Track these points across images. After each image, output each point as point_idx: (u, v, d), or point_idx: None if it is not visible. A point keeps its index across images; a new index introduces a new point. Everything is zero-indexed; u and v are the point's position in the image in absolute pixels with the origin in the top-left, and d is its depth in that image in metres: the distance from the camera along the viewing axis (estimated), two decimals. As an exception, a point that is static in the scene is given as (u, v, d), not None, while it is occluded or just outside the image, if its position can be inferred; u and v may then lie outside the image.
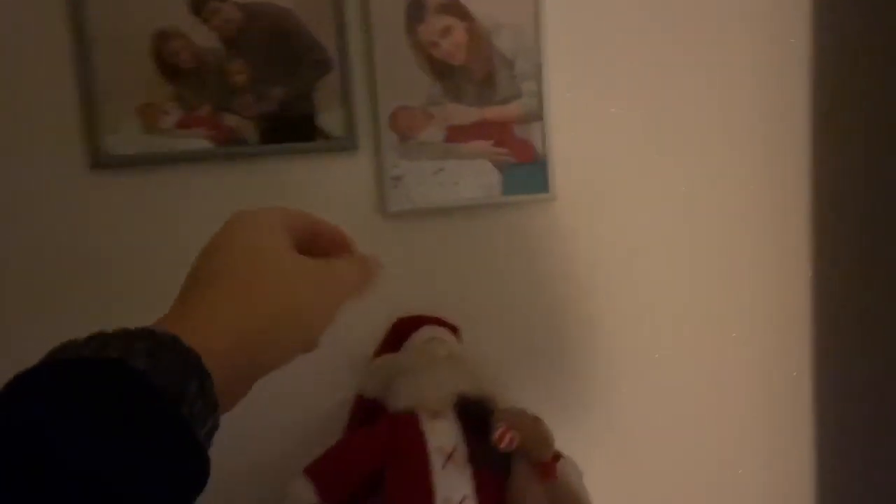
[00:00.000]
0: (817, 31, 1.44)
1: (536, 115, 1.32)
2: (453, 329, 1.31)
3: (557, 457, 1.13)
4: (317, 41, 1.26)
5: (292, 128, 1.26)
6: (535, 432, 1.12)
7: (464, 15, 1.28)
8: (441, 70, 1.29)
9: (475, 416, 1.16)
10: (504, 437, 1.08)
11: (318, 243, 0.52)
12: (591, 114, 1.36)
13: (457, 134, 1.30)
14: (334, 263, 0.51)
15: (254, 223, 0.50)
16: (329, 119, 1.28)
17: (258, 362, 0.41)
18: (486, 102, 1.30)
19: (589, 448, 1.34)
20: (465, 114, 1.30)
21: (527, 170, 1.33)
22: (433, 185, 1.30)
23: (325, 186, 1.30)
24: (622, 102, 1.38)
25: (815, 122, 1.45)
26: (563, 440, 1.16)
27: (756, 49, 1.43)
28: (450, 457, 1.12)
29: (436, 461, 1.11)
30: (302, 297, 0.45)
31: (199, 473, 0.33)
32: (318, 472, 1.11)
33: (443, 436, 1.14)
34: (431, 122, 1.29)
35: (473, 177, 1.31)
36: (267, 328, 0.41)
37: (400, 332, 1.29)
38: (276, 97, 1.25)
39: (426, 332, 1.27)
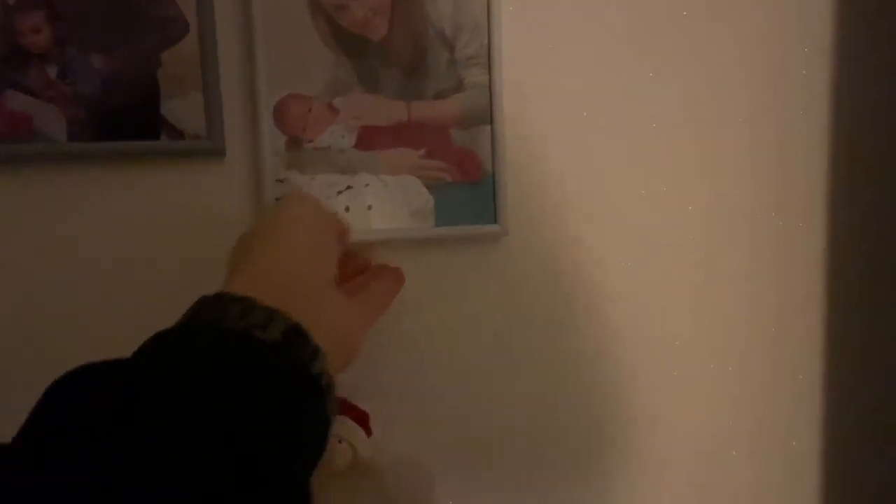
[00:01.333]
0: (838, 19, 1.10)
1: (483, 116, 0.92)
2: (361, 417, 0.91)
3: None
4: (163, -10, 0.84)
5: (122, 119, 0.84)
6: None
7: (386, -33, 0.88)
8: (351, 45, 0.88)
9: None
10: None
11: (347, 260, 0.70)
12: (559, 114, 0.98)
13: (371, 137, 0.90)
14: (371, 292, 0.71)
15: (316, 229, 0.63)
16: (181, 108, 0.86)
17: None
18: (415, 96, 0.90)
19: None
20: (385, 109, 0.90)
21: (469, 192, 0.91)
22: (335, 208, 0.89)
23: (173, 208, 0.88)
24: (606, 99, 1.00)
25: (832, 118, 1.11)
26: None
27: (772, 39, 1.08)
28: None
29: None
30: (347, 328, 0.61)
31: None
32: None
33: None
34: (335, 119, 0.89)
35: (393, 199, 0.91)
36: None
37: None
38: (96, 72, 0.83)
39: (320, 424, 0.87)
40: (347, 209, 0.90)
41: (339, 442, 0.85)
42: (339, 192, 0.90)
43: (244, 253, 0.62)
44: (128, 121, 0.84)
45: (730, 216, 1.08)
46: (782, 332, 1.13)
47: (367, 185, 0.90)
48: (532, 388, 1.02)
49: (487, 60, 0.91)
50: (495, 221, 0.93)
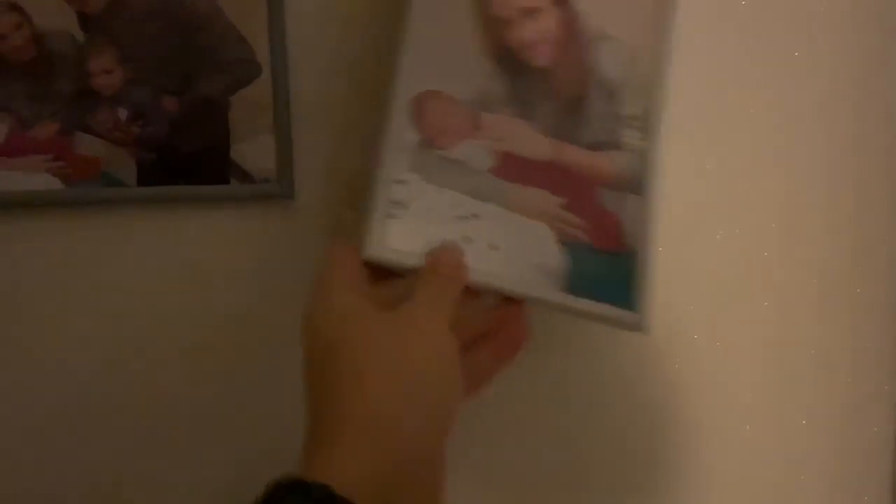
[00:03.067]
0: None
1: (636, 185, 0.76)
2: None
3: None
4: (236, 30, 0.81)
5: (191, 162, 0.81)
6: None
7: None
8: (510, 63, 0.74)
9: None
10: None
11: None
12: (719, 192, 0.94)
13: (512, 167, 0.73)
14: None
15: (437, 338, 0.48)
16: (251, 151, 0.83)
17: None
18: (569, 137, 0.75)
19: None
20: (533, 141, 0.74)
21: (607, 262, 0.74)
22: (448, 235, 0.71)
23: (242, 252, 0.85)
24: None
25: None
26: None
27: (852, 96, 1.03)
28: None
29: None
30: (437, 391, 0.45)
31: None
32: None
33: None
34: (477, 134, 0.74)
35: (523, 246, 0.72)
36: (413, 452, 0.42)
37: None
38: (166, 113, 0.80)
39: None
40: (468, 241, 0.72)
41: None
42: (462, 218, 0.73)
43: (325, 387, 0.49)
44: (197, 164, 0.82)
45: (804, 265, 1.03)
46: (855, 388, 1.09)
47: (495, 219, 0.73)
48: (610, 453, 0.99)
49: (650, 124, 0.77)
50: (633, 307, 0.74)
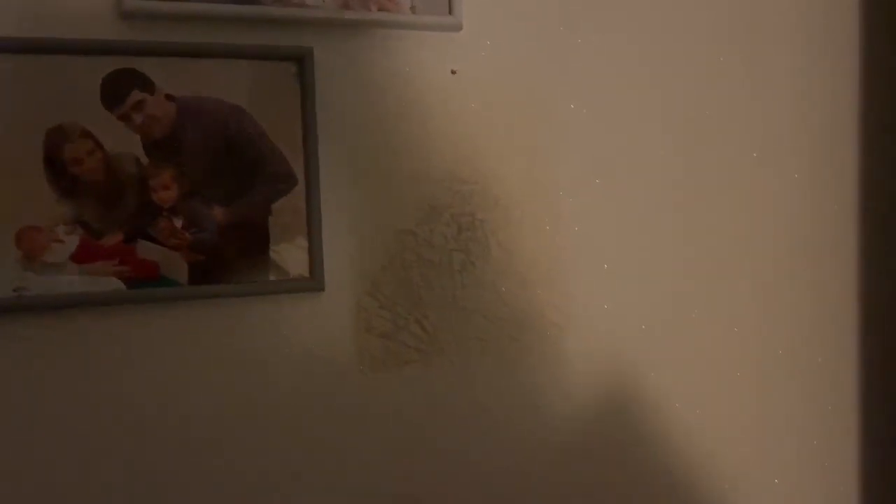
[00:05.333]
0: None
1: None
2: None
3: None
4: (276, 148, 0.94)
5: (236, 261, 0.93)
6: None
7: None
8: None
9: None
10: None
11: None
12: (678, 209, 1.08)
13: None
14: None
15: None
16: (287, 250, 0.95)
17: None
18: None
19: None
20: None
21: None
22: None
23: (281, 338, 0.96)
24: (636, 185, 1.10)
25: (863, 123, 1.21)
26: None
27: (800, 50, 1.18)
28: None
29: None
30: None
31: None
32: None
33: None
34: None
35: None
36: None
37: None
38: (215, 221, 0.92)
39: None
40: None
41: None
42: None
43: None
44: (240, 263, 0.93)
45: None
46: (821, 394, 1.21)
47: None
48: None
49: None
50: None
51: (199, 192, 0.92)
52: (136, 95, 0.88)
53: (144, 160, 0.90)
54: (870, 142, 1.21)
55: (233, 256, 0.93)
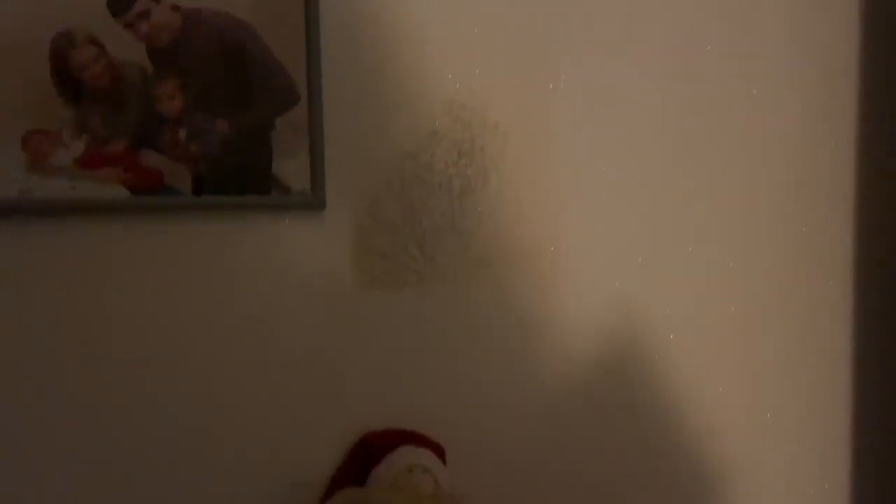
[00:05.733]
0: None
1: None
2: (439, 451, 1.00)
3: None
4: (280, 64, 0.95)
5: (239, 176, 0.94)
6: None
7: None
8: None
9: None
10: None
11: None
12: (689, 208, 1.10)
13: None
14: None
15: None
16: (290, 167, 0.96)
17: None
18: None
19: None
20: None
21: None
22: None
23: (281, 253, 0.97)
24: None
25: (861, 127, 1.23)
26: None
27: (798, 51, 1.20)
28: None
29: None
30: None
31: None
32: None
33: None
34: None
35: None
36: None
37: (369, 454, 0.97)
38: (219, 134, 0.93)
39: (406, 455, 0.95)
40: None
41: (424, 472, 0.93)
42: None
43: None
44: (244, 177, 0.94)
45: (765, 271, 1.19)
46: (815, 386, 1.23)
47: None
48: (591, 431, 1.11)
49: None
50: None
51: (204, 104, 0.92)
52: (143, 3, 0.89)
53: (149, 69, 0.90)
54: (868, 78, 1.22)
55: (236, 170, 0.94)
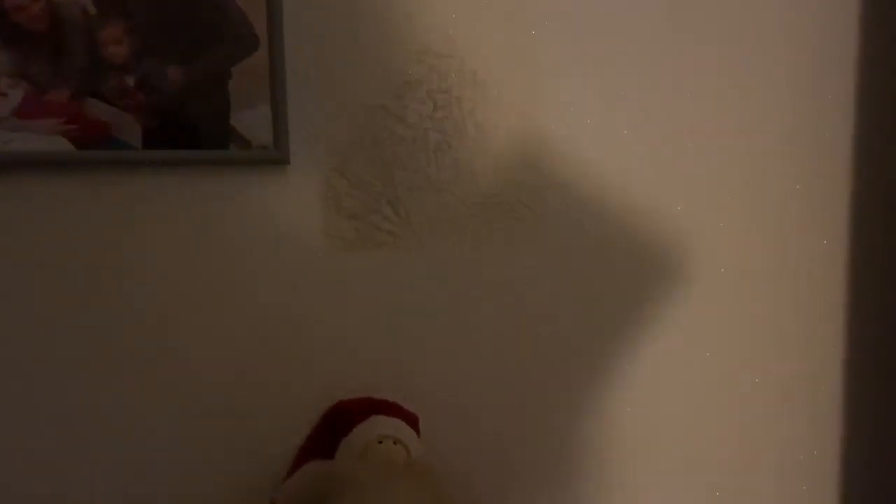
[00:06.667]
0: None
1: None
2: (412, 420, 0.95)
3: None
4: (238, 6, 0.87)
5: (194, 128, 0.87)
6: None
7: None
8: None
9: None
10: None
11: None
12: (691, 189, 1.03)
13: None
14: None
15: None
16: (250, 119, 0.89)
17: None
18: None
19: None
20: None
21: None
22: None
23: (240, 213, 0.91)
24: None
25: (859, 127, 1.16)
26: None
27: (796, 51, 1.13)
28: None
29: None
30: None
31: None
32: None
33: None
34: None
35: None
36: None
37: (339, 423, 0.92)
38: (171, 82, 0.86)
39: (376, 425, 0.90)
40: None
41: (395, 443, 0.88)
42: None
43: None
44: (199, 130, 0.88)
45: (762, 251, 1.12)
46: (805, 359, 1.18)
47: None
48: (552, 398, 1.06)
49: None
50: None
51: (153, 50, 0.85)
52: (82, -63, 0.82)
53: (92, 10, 0.83)
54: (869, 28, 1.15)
55: (191, 121, 0.87)
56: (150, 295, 0.89)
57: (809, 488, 1.20)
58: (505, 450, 1.04)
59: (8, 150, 0.81)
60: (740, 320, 1.13)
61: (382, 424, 0.90)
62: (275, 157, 0.90)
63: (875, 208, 1.18)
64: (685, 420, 1.12)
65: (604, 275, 1.06)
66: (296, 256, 0.94)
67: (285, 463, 0.93)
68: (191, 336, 0.91)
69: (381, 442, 0.87)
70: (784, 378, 1.16)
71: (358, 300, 0.96)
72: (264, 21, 0.88)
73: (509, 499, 1.05)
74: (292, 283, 0.94)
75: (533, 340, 1.03)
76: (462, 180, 0.99)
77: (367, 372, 0.97)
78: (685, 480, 1.13)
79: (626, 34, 1.03)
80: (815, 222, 1.15)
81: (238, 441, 0.93)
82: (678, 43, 1.06)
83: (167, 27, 0.85)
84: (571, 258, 1.04)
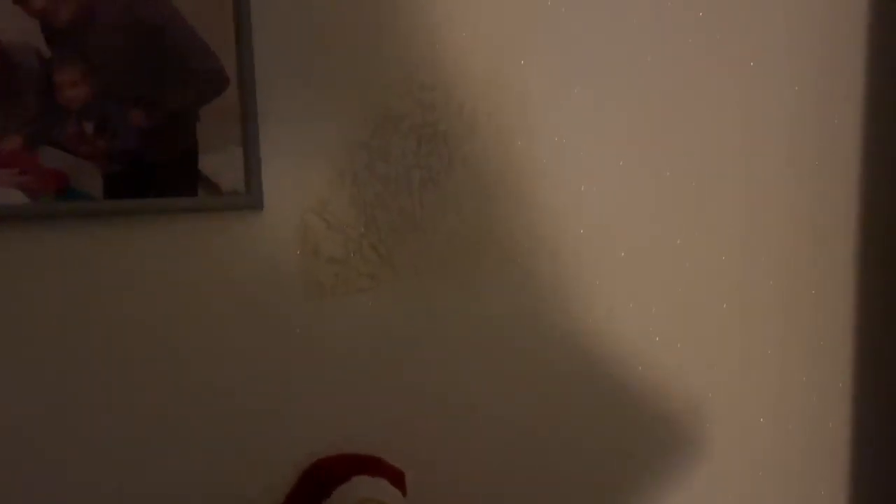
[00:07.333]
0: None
1: None
2: (396, 478, 0.89)
3: None
4: (204, 43, 0.81)
5: (159, 174, 0.82)
6: None
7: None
8: None
9: None
10: None
11: None
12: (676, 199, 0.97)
13: None
14: None
15: None
16: (219, 163, 0.84)
17: None
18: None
19: None
20: None
21: None
22: None
23: (211, 262, 0.86)
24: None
25: (867, 126, 1.10)
26: None
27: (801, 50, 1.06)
28: None
29: None
30: None
31: None
32: None
33: None
34: None
35: None
36: None
37: (319, 484, 0.87)
38: (133, 126, 0.80)
39: (358, 488, 0.85)
40: None
41: (380, 507, 0.83)
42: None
43: None
44: (165, 176, 0.82)
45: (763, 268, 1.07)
46: (813, 385, 1.12)
47: None
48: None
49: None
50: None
51: (114, 93, 0.79)
52: (33, -27, 0.76)
53: (47, 53, 0.77)
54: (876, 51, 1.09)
55: (155, 168, 0.82)
56: (115, 352, 0.83)
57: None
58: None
59: (-44, 205, 0.76)
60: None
61: (365, 486, 0.85)
62: (247, 202, 0.85)
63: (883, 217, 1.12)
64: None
65: (600, 314, 1.00)
66: (271, 305, 0.88)
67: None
68: (158, 393, 0.85)
69: (362, 506, 0.82)
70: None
71: (338, 349, 0.91)
72: (233, 57, 0.83)
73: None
74: (268, 334, 0.89)
75: (527, 387, 0.98)
76: (449, 219, 0.94)
77: (348, 426, 0.92)
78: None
79: (618, 63, 0.97)
80: (821, 236, 1.10)
81: (210, 502, 0.88)
82: (672, 72, 0.99)
83: (128, 68, 0.79)
84: (569, 296, 0.98)
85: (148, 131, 0.81)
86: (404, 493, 0.89)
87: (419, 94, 0.91)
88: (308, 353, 0.90)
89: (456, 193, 0.93)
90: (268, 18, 0.84)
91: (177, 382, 0.86)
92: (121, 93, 0.80)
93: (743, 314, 1.07)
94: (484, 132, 0.93)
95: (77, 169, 0.79)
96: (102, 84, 0.79)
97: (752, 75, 1.03)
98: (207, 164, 0.83)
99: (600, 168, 0.98)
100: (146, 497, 0.86)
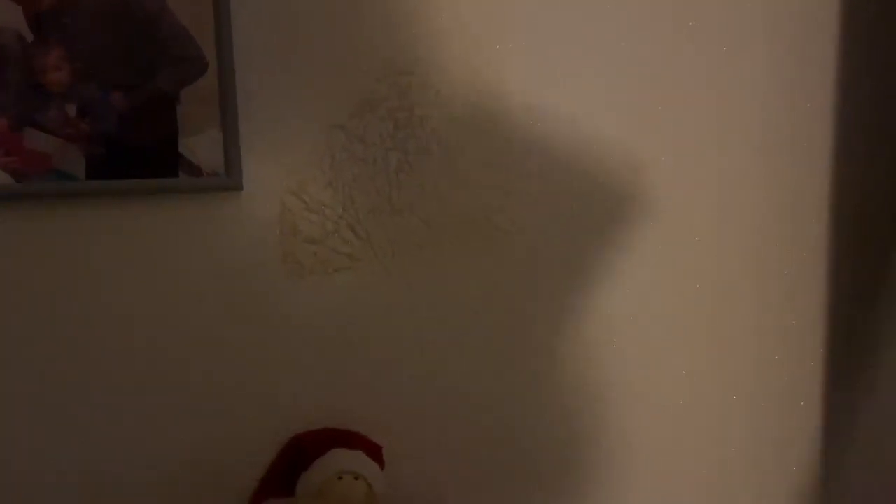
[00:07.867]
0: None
1: None
2: (374, 451, 0.92)
3: None
4: (183, 28, 0.84)
5: (141, 156, 0.84)
6: None
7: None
8: None
9: None
10: None
11: None
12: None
13: None
14: None
15: None
16: (199, 145, 0.86)
17: None
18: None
19: None
20: None
21: None
22: None
23: (191, 243, 0.88)
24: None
25: (838, 124, 1.12)
26: None
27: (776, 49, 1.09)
28: None
29: None
30: None
31: None
32: None
33: None
34: None
35: None
36: None
37: (299, 456, 0.89)
38: (115, 108, 0.82)
39: (336, 460, 0.87)
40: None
41: (356, 479, 0.85)
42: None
43: None
44: (146, 158, 0.84)
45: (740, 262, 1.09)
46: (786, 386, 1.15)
47: None
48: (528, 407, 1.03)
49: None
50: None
51: (95, 76, 0.82)
52: (15, -40, 0.77)
53: (29, 36, 0.79)
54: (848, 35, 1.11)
55: (137, 150, 0.84)
56: (96, 330, 0.86)
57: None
58: (474, 477, 1.01)
59: (-57, 185, 0.78)
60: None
61: (342, 459, 0.87)
62: (227, 183, 0.87)
63: (853, 217, 1.14)
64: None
65: (575, 292, 1.03)
66: (251, 284, 0.91)
67: (244, 498, 0.91)
68: (142, 371, 0.88)
69: (340, 478, 0.85)
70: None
71: (317, 327, 0.94)
72: (212, 41, 0.85)
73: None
74: (248, 313, 0.91)
75: (503, 363, 1.01)
76: (426, 201, 0.96)
77: (328, 401, 0.94)
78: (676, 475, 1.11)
79: (593, 48, 0.99)
80: (793, 231, 1.12)
81: (194, 475, 0.91)
82: (649, 58, 1.01)
83: (109, 52, 0.82)
84: (546, 277, 1.01)
85: (129, 114, 0.83)
86: (382, 466, 0.92)
87: (396, 79, 0.93)
88: (287, 330, 0.92)
89: (432, 176, 0.96)
90: (246, 2, 0.86)
91: (158, 360, 0.89)
92: (102, 76, 0.82)
93: (716, 294, 1.09)
94: (460, 116, 0.95)
95: (60, 151, 0.81)
96: (84, 67, 0.81)
97: (725, 60, 1.05)
98: (188, 146, 0.85)
99: (579, 152, 1.00)
100: (129, 472, 0.89)
